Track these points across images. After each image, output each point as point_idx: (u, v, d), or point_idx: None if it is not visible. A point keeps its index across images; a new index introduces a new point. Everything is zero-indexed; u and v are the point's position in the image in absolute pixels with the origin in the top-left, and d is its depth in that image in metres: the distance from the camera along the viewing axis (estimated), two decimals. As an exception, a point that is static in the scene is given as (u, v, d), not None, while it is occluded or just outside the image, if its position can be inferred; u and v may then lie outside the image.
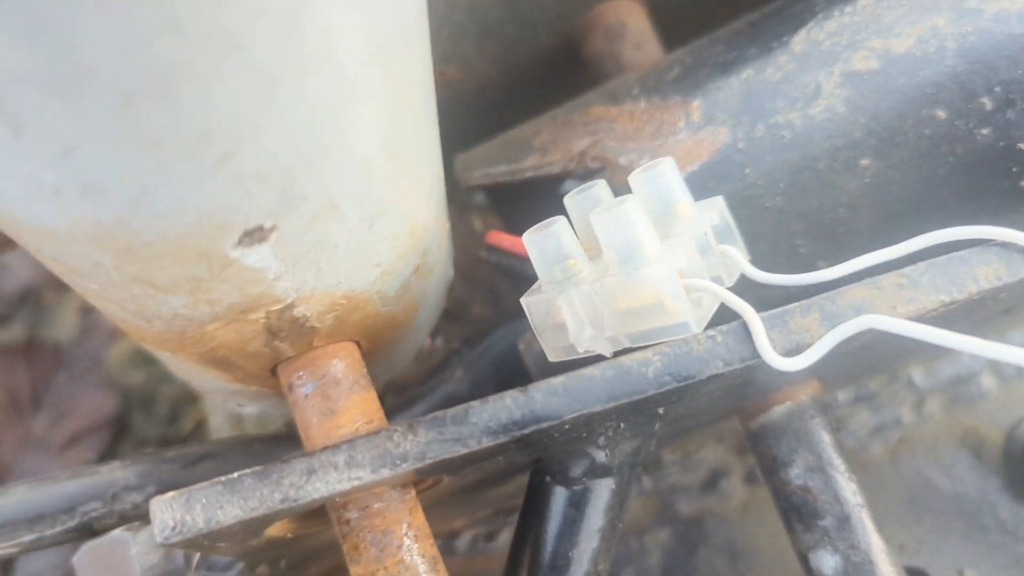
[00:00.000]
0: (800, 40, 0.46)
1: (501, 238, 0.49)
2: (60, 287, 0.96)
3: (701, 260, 0.38)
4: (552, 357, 0.40)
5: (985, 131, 0.43)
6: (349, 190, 0.31)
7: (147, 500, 0.44)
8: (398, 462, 0.34)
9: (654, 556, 0.61)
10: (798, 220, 0.45)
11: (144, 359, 0.89)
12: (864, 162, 0.44)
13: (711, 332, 0.36)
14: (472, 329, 0.61)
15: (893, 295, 0.37)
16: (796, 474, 0.48)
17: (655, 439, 0.42)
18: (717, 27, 0.53)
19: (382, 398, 0.57)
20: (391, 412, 0.54)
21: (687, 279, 0.36)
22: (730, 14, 0.53)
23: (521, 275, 0.49)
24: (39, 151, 0.23)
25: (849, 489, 0.47)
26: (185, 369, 0.43)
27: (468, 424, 0.34)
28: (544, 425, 0.34)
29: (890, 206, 0.45)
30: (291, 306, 0.35)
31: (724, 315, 0.38)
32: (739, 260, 0.39)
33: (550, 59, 0.59)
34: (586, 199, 0.41)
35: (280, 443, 0.51)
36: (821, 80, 0.45)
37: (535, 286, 0.41)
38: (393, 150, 0.33)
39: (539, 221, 0.49)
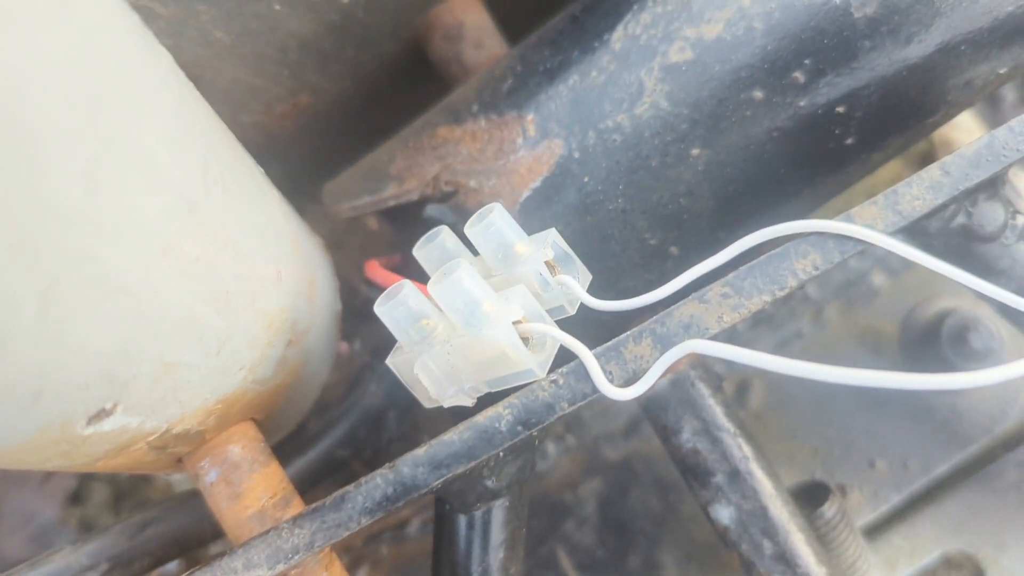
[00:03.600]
0: (619, 37, 0.47)
1: (377, 273, 0.51)
2: None
3: (541, 300, 0.40)
4: (427, 405, 0.43)
5: (803, 103, 0.45)
6: (180, 344, 0.33)
7: (105, 576, 0.48)
8: (291, 555, 0.37)
9: (590, 504, 0.65)
10: (642, 217, 0.48)
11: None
12: (695, 152, 0.46)
13: (554, 376, 0.39)
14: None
15: (719, 306, 0.40)
16: (686, 439, 0.52)
17: (536, 452, 0.45)
18: (557, 12, 0.53)
19: (304, 426, 0.61)
20: (316, 436, 0.58)
21: (527, 325, 0.39)
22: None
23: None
24: None
25: (735, 445, 0.51)
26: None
27: (345, 510, 0.38)
28: (415, 495, 0.38)
29: (727, 187, 0.47)
30: (167, 431, 0.38)
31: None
32: (576, 290, 0.41)
33: (401, 65, 0.59)
34: (432, 249, 0.44)
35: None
36: (643, 78, 0.46)
37: (397, 346, 0.43)
38: (220, 286, 0.35)
39: (418, 234, 0.52)
